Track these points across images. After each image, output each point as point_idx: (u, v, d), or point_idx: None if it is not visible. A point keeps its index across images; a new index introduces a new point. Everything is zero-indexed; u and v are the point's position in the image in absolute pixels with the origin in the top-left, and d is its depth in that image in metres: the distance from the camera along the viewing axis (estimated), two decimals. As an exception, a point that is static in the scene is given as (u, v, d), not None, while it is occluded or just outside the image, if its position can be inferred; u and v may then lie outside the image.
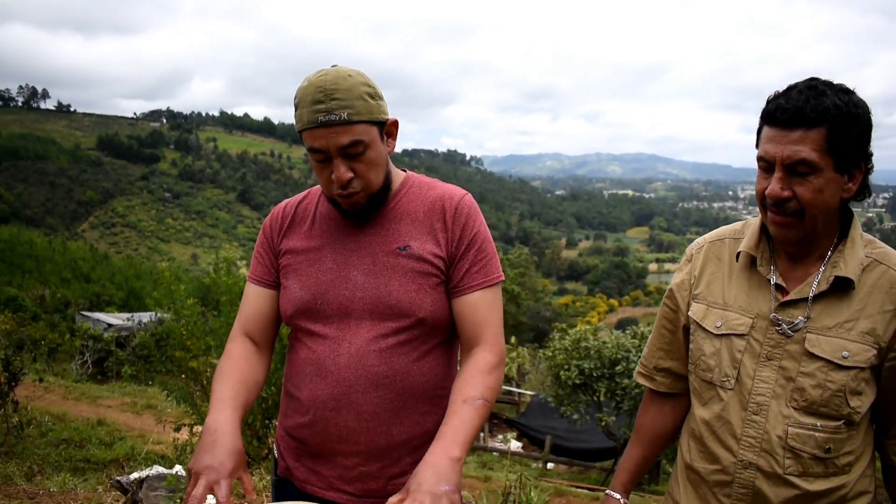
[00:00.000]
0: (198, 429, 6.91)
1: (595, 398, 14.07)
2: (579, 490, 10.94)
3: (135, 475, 3.89)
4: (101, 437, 7.48)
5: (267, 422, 6.79)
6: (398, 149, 1.82)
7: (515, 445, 17.85)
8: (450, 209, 1.73)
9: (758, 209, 1.65)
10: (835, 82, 1.52)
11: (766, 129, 1.55)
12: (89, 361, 19.32)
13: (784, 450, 1.58)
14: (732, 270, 1.73)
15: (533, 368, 26.55)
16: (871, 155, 1.55)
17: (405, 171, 1.85)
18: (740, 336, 1.65)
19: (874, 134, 1.51)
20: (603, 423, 13.53)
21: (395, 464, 1.69)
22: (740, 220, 1.87)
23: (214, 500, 1.44)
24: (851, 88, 1.52)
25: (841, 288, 1.57)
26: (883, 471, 1.72)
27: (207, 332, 7.56)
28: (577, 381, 13.64)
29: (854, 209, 1.66)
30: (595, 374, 13.48)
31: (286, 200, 1.90)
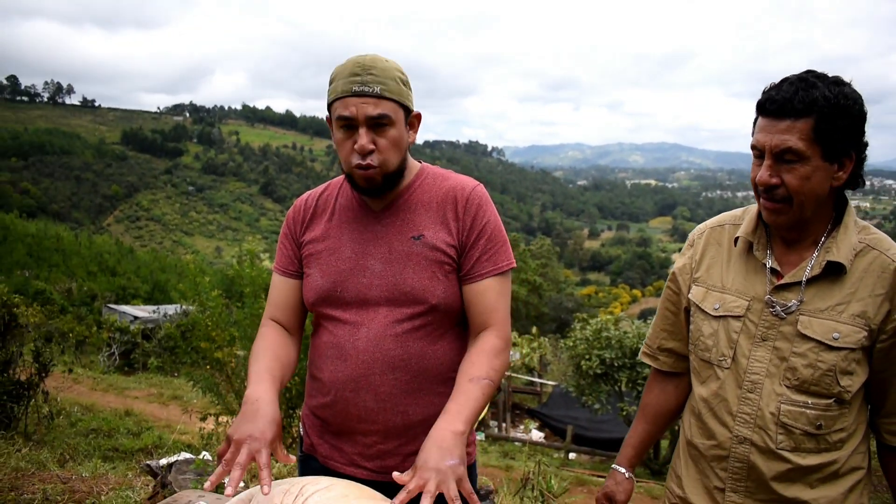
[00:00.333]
0: (223, 419, 7.04)
1: (616, 388, 14.07)
2: (600, 479, 10.96)
3: (164, 460, 4.01)
4: (128, 426, 7.62)
5: (291, 411, 6.88)
6: (419, 140, 1.91)
7: (538, 436, 17.89)
8: (461, 199, 1.80)
9: None
10: (830, 75, 1.59)
11: (759, 119, 1.63)
12: (116, 353, 19.60)
13: (777, 426, 1.66)
14: (731, 255, 1.81)
15: (555, 359, 26.53)
16: (866, 145, 1.61)
17: (420, 162, 1.92)
18: (737, 318, 1.73)
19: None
20: (624, 413, 13.54)
21: (412, 442, 1.77)
22: None
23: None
24: (846, 81, 1.58)
25: (833, 272, 1.64)
26: (878, 449, 1.78)
27: (231, 323, 7.66)
28: (599, 371, 13.64)
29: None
30: (616, 364, 13.47)
31: (307, 193, 1.98)
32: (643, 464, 13.21)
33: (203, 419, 7.10)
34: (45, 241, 44.45)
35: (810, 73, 1.59)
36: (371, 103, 1.66)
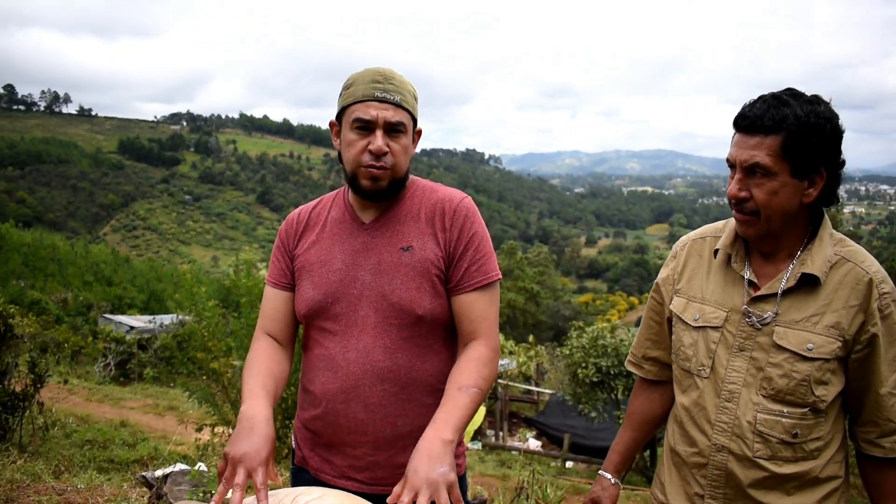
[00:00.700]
0: (219, 429, 7.03)
1: (613, 396, 14.06)
2: (597, 487, 10.95)
3: (160, 472, 4.03)
4: (124, 437, 7.62)
5: (287, 422, 6.87)
6: (417, 149, 1.98)
7: (535, 444, 17.88)
8: (449, 211, 1.85)
9: None
10: (807, 94, 1.64)
11: (734, 134, 1.69)
12: (112, 364, 19.58)
13: (754, 434, 1.69)
14: (711, 267, 1.86)
15: (552, 367, 26.53)
16: (842, 163, 1.66)
17: (410, 175, 1.96)
18: (715, 328, 1.78)
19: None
20: (620, 421, 13.50)
21: (401, 453, 1.78)
22: None
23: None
24: (825, 99, 1.64)
25: (808, 284, 1.68)
26: (857, 458, 1.82)
27: (228, 333, 7.65)
28: (595, 379, 13.63)
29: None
30: (612, 372, 13.45)
31: (300, 207, 2.03)
32: (640, 471, 13.21)
33: (199, 430, 7.09)
34: (40, 251, 44.31)
35: (787, 91, 1.64)
36: (391, 109, 1.76)
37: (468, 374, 1.73)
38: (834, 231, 1.74)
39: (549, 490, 5.66)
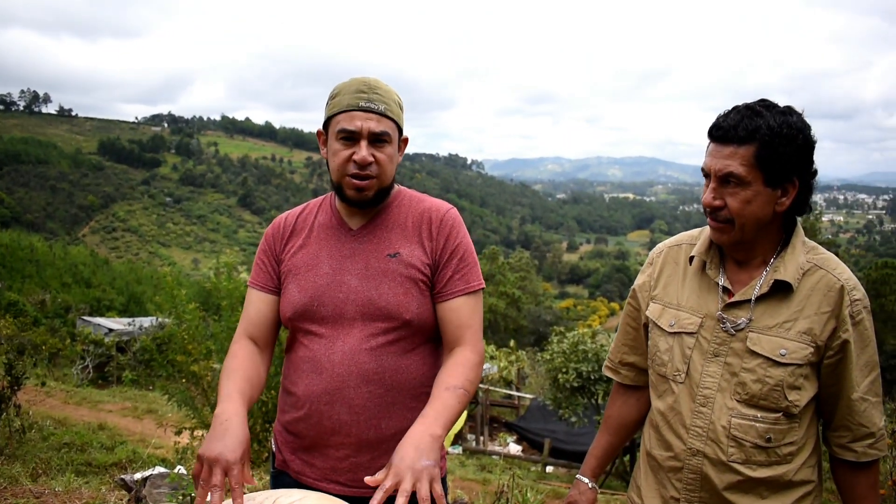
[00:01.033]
0: (199, 433, 7.01)
1: (593, 401, 14.14)
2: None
3: (139, 475, 4.01)
4: (102, 441, 7.55)
5: (267, 425, 6.86)
6: None
7: (515, 449, 17.91)
8: (436, 220, 1.89)
9: None
10: (780, 105, 1.67)
11: (709, 144, 1.72)
12: (90, 366, 19.39)
13: (728, 438, 1.73)
14: (686, 273, 1.89)
15: (533, 372, 26.59)
16: (814, 173, 1.70)
17: (396, 185, 1.99)
18: (690, 334, 1.81)
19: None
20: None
21: (384, 456, 1.80)
22: None
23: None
24: (798, 110, 1.67)
25: (781, 291, 1.72)
26: (830, 462, 1.85)
27: (208, 336, 7.64)
28: (575, 384, 13.70)
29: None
30: (593, 377, 13.54)
31: (287, 212, 2.05)
32: (619, 476, 13.27)
33: (178, 433, 7.07)
34: (18, 252, 43.81)
35: (760, 102, 1.68)
36: (375, 119, 1.77)
37: (456, 375, 1.76)
38: (806, 239, 1.78)
39: (529, 494, 5.68)
